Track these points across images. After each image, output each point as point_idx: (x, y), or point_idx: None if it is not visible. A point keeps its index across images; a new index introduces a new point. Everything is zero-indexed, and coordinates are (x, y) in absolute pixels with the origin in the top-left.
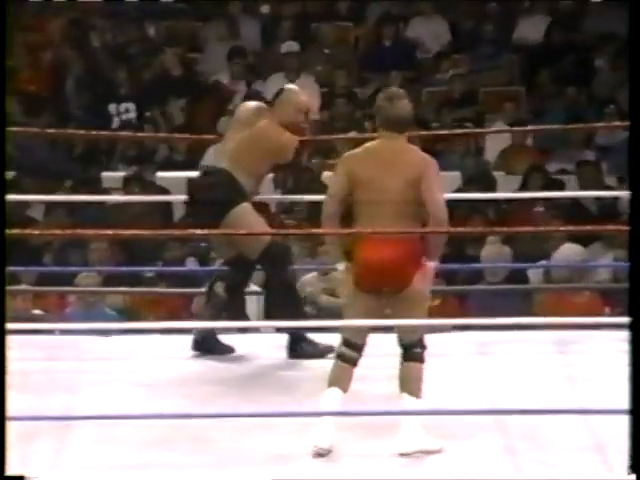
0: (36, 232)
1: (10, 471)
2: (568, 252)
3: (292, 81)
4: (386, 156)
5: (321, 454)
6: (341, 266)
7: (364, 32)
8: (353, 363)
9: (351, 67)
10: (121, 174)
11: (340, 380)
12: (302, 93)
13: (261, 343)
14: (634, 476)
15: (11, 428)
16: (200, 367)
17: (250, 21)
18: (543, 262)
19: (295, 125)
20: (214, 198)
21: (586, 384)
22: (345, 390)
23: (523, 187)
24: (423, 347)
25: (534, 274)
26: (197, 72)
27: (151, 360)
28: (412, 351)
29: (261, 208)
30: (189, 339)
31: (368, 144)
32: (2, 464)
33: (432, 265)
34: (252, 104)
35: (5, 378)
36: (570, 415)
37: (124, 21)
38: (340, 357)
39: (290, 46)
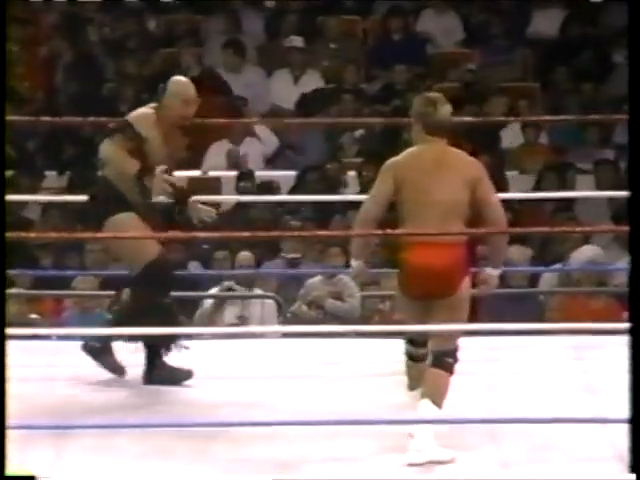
0: (35, 235)
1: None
2: (587, 254)
3: (297, 77)
4: (437, 160)
5: (420, 463)
6: (354, 263)
7: (372, 26)
8: (422, 359)
9: (358, 62)
10: None
11: (419, 380)
12: (187, 83)
13: (262, 349)
14: (634, 476)
15: (7, 436)
16: (199, 374)
17: (253, 15)
18: (557, 265)
19: (185, 119)
20: (93, 206)
21: (603, 391)
22: None
23: (537, 187)
24: (455, 358)
25: (549, 277)
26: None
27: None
28: (443, 359)
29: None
30: (188, 344)
31: (411, 150)
32: (2, 464)
33: (496, 271)
34: (137, 116)
35: (5, 380)
36: (588, 424)
37: (123, 15)
38: (409, 356)
39: (295, 40)
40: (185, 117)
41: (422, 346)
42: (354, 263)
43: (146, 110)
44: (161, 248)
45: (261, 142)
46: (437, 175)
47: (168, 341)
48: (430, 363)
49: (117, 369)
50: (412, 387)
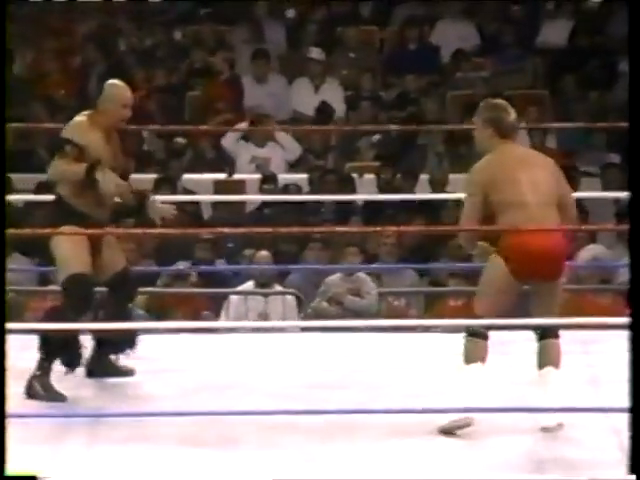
0: (42, 231)
1: (41, 466)
2: (592, 253)
3: (318, 85)
4: (525, 158)
5: (468, 426)
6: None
7: (388, 36)
8: (484, 337)
9: (375, 70)
10: (151, 176)
11: (477, 354)
12: (124, 87)
13: (283, 343)
14: (634, 476)
15: (43, 426)
16: (226, 366)
17: (276, 25)
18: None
19: (123, 122)
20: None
21: (608, 384)
22: (484, 361)
23: None
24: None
25: None
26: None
27: (179, 359)
28: (553, 329)
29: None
30: (216, 338)
31: (494, 154)
32: (2, 464)
33: None
34: (71, 127)
35: (5, 378)
36: (593, 414)
37: (151, 25)
38: (471, 334)
39: (315, 51)
40: (123, 119)
41: (486, 325)
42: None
43: (78, 118)
44: (87, 267)
45: (283, 148)
46: (531, 172)
47: (121, 344)
48: (543, 336)
49: (58, 396)
50: (469, 361)
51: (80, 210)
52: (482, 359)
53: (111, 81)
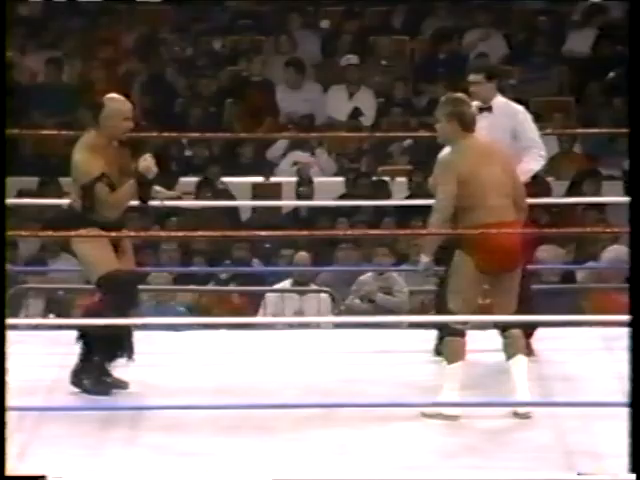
0: (32, 234)
1: (87, 452)
2: (614, 253)
3: (352, 93)
4: (487, 150)
5: (451, 419)
6: (426, 259)
7: (419, 45)
8: (463, 335)
9: (407, 78)
10: (194, 179)
11: (458, 353)
12: (123, 100)
13: (318, 339)
14: (634, 476)
15: (89, 417)
16: (262, 360)
17: (311, 35)
18: (591, 263)
19: (125, 134)
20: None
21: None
22: (464, 359)
23: (571, 192)
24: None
25: (583, 274)
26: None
27: (217, 353)
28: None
29: None
30: (254, 334)
31: (458, 147)
32: (2, 464)
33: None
34: (79, 150)
35: (5, 377)
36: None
37: (192, 35)
38: (452, 333)
39: (349, 59)
40: (126, 132)
41: (465, 323)
42: (425, 259)
43: (82, 140)
44: (116, 265)
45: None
46: (495, 166)
47: (114, 349)
48: (507, 328)
49: (104, 389)
50: (451, 360)
51: (95, 219)
52: (463, 357)
53: (110, 95)
